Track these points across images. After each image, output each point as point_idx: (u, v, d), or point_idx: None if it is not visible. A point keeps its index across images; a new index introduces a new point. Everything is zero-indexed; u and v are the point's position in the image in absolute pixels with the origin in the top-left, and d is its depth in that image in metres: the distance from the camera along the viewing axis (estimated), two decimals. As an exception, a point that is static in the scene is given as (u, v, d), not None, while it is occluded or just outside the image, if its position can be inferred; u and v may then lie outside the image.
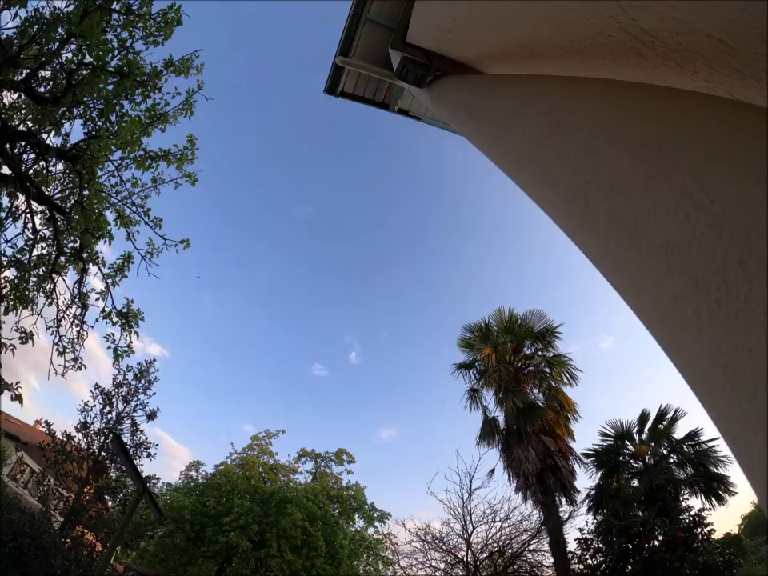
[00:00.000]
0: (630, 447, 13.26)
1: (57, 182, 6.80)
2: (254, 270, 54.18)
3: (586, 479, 16.39)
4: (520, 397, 12.08)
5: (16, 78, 5.42)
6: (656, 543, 9.73)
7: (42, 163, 6.26)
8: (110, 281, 6.74)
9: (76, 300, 6.83)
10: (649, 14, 1.20)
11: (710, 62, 1.17)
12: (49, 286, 6.68)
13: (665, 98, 1.37)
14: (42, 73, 5.73)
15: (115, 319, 6.75)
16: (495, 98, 2.34)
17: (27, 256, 6.41)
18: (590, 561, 10.65)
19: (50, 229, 6.54)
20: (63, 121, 5.85)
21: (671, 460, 12.57)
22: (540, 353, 13.63)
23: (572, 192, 1.33)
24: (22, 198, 6.31)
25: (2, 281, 6.31)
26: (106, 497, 14.60)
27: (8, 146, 5.63)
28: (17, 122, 6.19)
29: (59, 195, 6.75)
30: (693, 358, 0.87)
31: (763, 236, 0.74)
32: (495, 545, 11.06)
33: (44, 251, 6.73)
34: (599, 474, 12.98)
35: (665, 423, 12.88)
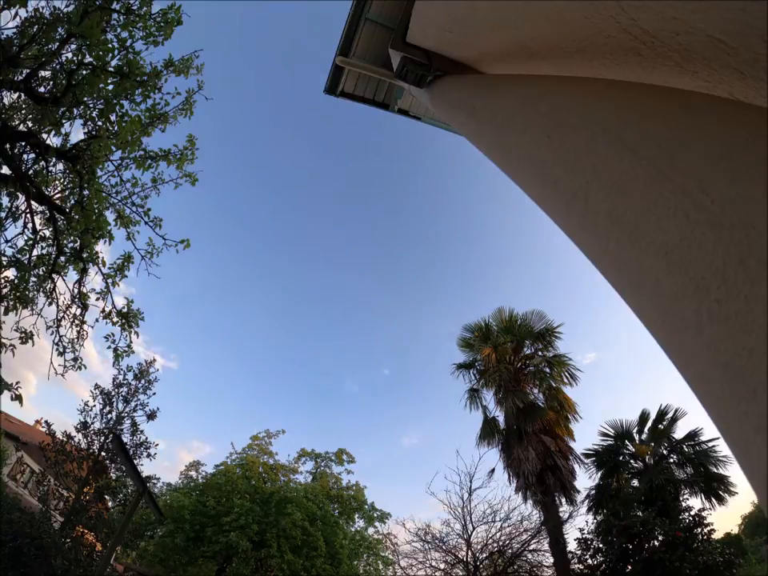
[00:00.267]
0: (630, 447, 13.26)
1: (57, 182, 6.80)
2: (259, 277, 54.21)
3: (586, 479, 16.43)
4: (520, 397, 12.08)
5: (16, 78, 5.42)
6: (656, 543, 9.73)
7: (42, 163, 6.25)
8: (109, 281, 6.75)
9: (76, 300, 6.83)
10: (649, 14, 1.20)
11: (710, 61, 1.17)
12: (49, 285, 6.68)
13: (665, 98, 1.37)
14: (42, 73, 5.73)
15: (115, 319, 6.75)
16: (495, 98, 2.34)
17: (27, 256, 6.41)
18: (589, 561, 10.65)
19: (50, 229, 6.54)
20: (63, 121, 5.84)
21: (671, 460, 12.57)
22: (540, 353, 13.64)
23: (572, 192, 1.33)
24: (22, 198, 6.31)
25: (2, 281, 6.31)
26: (106, 497, 14.60)
27: (8, 145, 5.63)
28: (17, 122, 6.19)
29: (59, 195, 6.74)
30: (693, 358, 0.87)
31: (763, 236, 0.74)
32: (495, 545, 11.06)
33: (44, 251, 6.73)
34: (599, 474, 12.99)
35: (665, 423, 12.89)
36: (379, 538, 21.11)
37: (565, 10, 1.52)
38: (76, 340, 6.94)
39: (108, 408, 14.38)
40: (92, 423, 14.03)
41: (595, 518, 11.55)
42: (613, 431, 13.49)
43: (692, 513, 10.24)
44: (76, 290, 6.80)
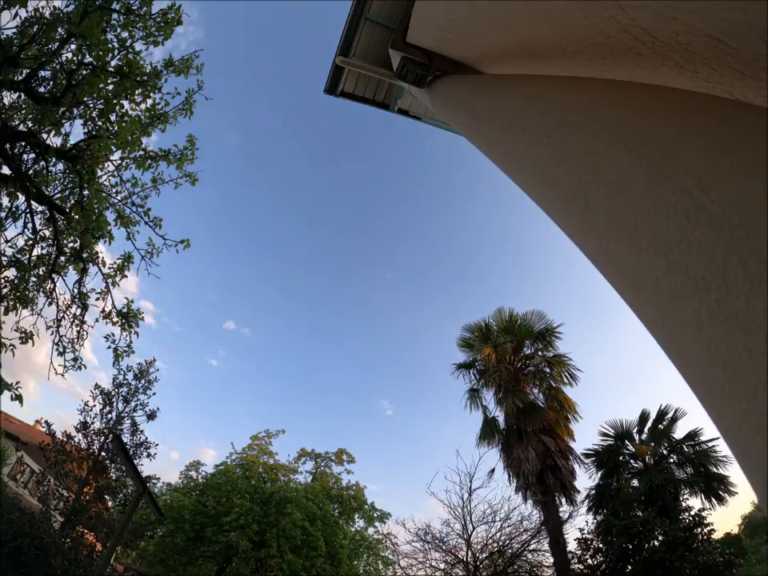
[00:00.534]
0: (630, 447, 13.26)
1: (57, 182, 6.81)
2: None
3: (586, 479, 16.41)
4: (520, 397, 12.08)
5: (16, 78, 5.42)
6: (656, 543, 9.72)
7: (42, 163, 6.26)
8: (109, 281, 6.75)
9: (76, 300, 6.83)
10: (649, 14, 1.20)
11: (710, 61, 1.17)
12: (49, 285, 6.68)
13: (665, 98, 1.37)
14: (42, 73, 5.73)
15: (115, 319, 6.75)
16: (495, 97, 2.34)
17: (27, 256, 6.41)
18: (590, 561, 10.65)
19: (50, 229, 6.54)
20: (63, 121, 5.85)
21: (671, 460, 12.57)
22: (540, 353, 13.64)
23: (572, 192, 1.33)
24: (22, 198, 6.31)
25: (2, 281, 6.31)
26: (106, 497, 14.61)
27: (8, 145, 5.63)
28: (17, 122, 6.20)
29: (59, 195, 6.75)
30: (693, 358, 0.87)
31: (763, 236, 0.74)
32: (495, 545, 11.06)
33: (44, 251, 6.73)
34: (599, 474, 12.98)
35: (665, 423, 12.89)
36: (379, 538, 21.12)
37: (565, 11, 1.52)
38: (76, 340, 6.94)
39: (108, 408, 14.39)
40: (92, 423, 14.05)
41: (595, 518, 11.55)
42: (613, 431, 13.49)
43: (692, 513, 10.23)
44: (76, 290, 6.80)
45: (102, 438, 14.00)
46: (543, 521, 11.00)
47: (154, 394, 15.12)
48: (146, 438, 14.77)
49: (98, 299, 6.81)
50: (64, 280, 6.84)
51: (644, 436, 13.25)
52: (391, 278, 56.72)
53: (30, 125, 6.20)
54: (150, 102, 6.00)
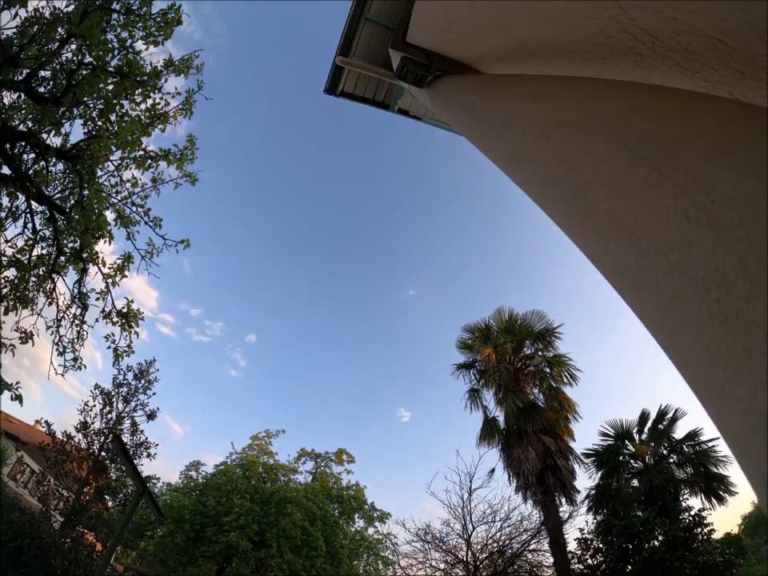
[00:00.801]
0: (630, 447, 13.26)
1: (57, 182, 6.81)
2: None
3: (585, 479, 16.42)
4: (520, 397, 12.08)
5: (16, 78, 5.42)
6: (656, 543, 9.72)
7: (42, 163, 6.26)
8: (109, 281, 6.74)
9: (76, 300, 6.83)
10: (649, 14, 1.20)
11: (710, 61, 1.17)
12: (49, 285, 6.68)
13: (665, 98, 1.37)
14: (42, 73, 5.73)
15: (115, 319, 6.75)
16: (495, 97, 2.34)
17: (27, 256, 6.41)
18: (589, 561, 10.65)
19: (50, 229, 6.54)
20: (63, 121, 5.85)
21: (671, 460, 12.57)
22: (540, 353, 13.64)
23: (572, 192, 1.33)
24: (22, 198, 6.31)
25: (2, 281, 6.31)
26: (106, 497, 14.60)
27: (8, 145, 5.63)
28: (17, 122, 6.20)
29: (59, 195, 6.75)
30: (693, 358, 0.87)
31: (763, 236, 0.74)
32: (495, 545, 11.06)
33: (44, 251, 6.73)
34: (599, 474, 12.99)
35: (665, 423, 12.89)
36: (379, 538, 21.12)
37: (565, 11, 1.52)
38: (76, 340, 6.94)
39: (108, 408, 14.38)
40: (92, 423, 14.05)
41: (595, 518, 11.55)
42: (613, 431, 13.49)
43: (692, 513, 10.23)
44: (76, 290, 6.80)
45: (102, 438, 14.00)
46: (543, 521, 11.00)
47: (154, 393, 15.14)
48: (146, 438, 14.79)
49: (98, 299, 6.82)
50: (64, 280, 6.85)
51: (644, 436, 13.25)
52: (389, 276, 56.76)
53: (30, 125, 6.20)
54: (150, 101, 6.01)
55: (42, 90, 5.82)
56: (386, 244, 57.60)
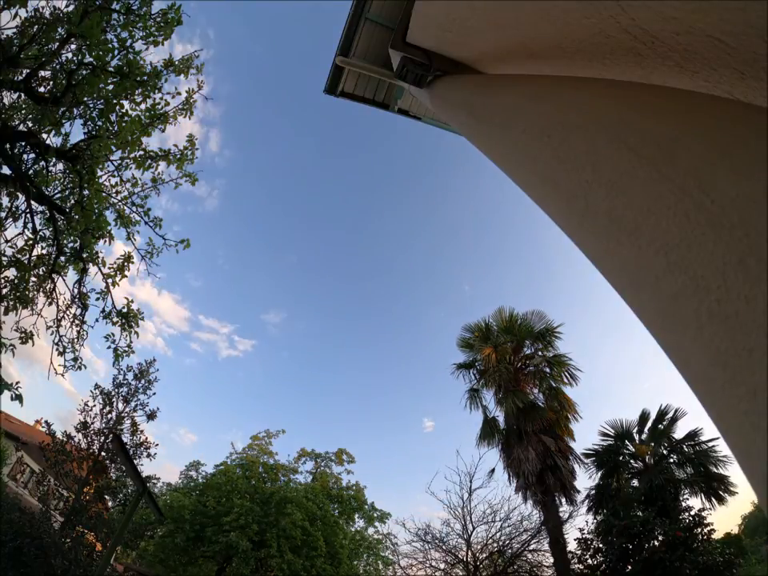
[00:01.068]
0: (630, 447, 13.26)
1: (57, 182, 6.80)
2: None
3: (585, 479, 16.41)
4: (520, 397, 12.08)
5: (16, 78, 5.42)
6: (656, 543, 9.72)
7: (42, 163, 6.25)
8: (109, 281, 6.74)
9: (76, 300, 6.83)
10: (649, 14, 1.20)
11: (710, 61, 1.17)
12: (49, 286, 6.68)
13: (665, 98, 1.37)
14: (42, 73, 5.73)
15: (115, 319, 6.75)
16: (495, 97, 2.34)
17: (27, 256, 6.41)
18: (590, 561, 10.65)
19: (50, 229, 6.54)
20: (63, 121, 5.84)
21: (671, 460, 12.57)
22: (540, 353, 13.64)
23: (572, 192, 1.33)
24: (22, 198, 6.31)
25: (2, 281, 6.31)
26: (106, 497, 14.61)
27: (8, 145, 5.63)
28: (17, 122, 6.19)
29: (59, 195, 6.74)
30: (693, 358, 0.87)
31: (763, 236, 0.74)
32: (495, 545, 11.07)
33: (44, 251, 6.73)
34: (599, 474, 12.98)
35: (665, 423, 12.89)
36: (379, 538, 21.12)
37: (565, 10, 1.52)
38: (76, 340, 6.94)
39: (108, 408, 14.38)
40: (92, 423, 14.05)
41: (595, 518, 11.55)
42: (613, 431, 13.49)
43: (692, 513, 10.23)
44: (76, 290, 6.80)
45: (102, 437, 14.00)
46: (543, 521, 11.00)
47: (154, 394, 15.15)
48: (146, 438, 14.80)
49: (98, 299, 6.82)
50: (64, 280, 6.84)
51: (644, 436, 13.25)
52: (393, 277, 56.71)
53: (30, 125, 6.19)
54: (150, 102, 6.00)
55: (42, 90, 5.82)
56: (386, 244, 57.62)
